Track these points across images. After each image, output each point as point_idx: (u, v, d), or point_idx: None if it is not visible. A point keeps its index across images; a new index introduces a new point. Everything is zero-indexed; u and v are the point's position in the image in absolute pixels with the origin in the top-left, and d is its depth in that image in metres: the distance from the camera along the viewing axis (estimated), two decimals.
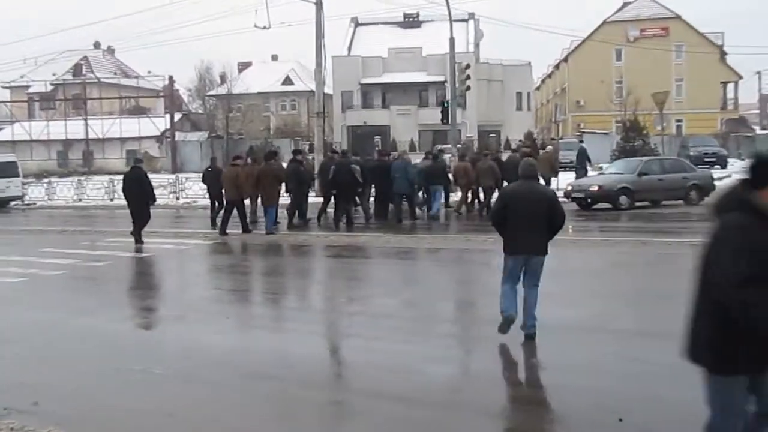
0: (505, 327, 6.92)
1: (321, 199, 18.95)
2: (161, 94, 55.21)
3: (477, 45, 56.03)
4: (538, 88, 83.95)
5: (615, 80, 58.09)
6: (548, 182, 21.96)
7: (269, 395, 5.70)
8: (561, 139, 43.29)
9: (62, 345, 7.40)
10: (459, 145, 32.84)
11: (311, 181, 18.66)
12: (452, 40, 28.08)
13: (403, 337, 7.26)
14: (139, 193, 15.32)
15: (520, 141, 37.39)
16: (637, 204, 19.68)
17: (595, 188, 19.93)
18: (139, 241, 15.18)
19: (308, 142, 50.72)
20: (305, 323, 8.02)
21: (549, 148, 25.32)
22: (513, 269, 7.07)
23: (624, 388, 5.55)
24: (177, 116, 55.20)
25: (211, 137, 51.87)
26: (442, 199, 19.37)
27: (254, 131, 57.49)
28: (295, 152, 19.03)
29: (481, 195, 19.37)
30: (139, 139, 51.80)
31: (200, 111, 60.91)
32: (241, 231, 16.29)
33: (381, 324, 7.82)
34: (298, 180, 17.37)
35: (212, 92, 62.51)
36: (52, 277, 11.55)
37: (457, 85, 27.37)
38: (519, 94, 54.87)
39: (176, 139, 51.38)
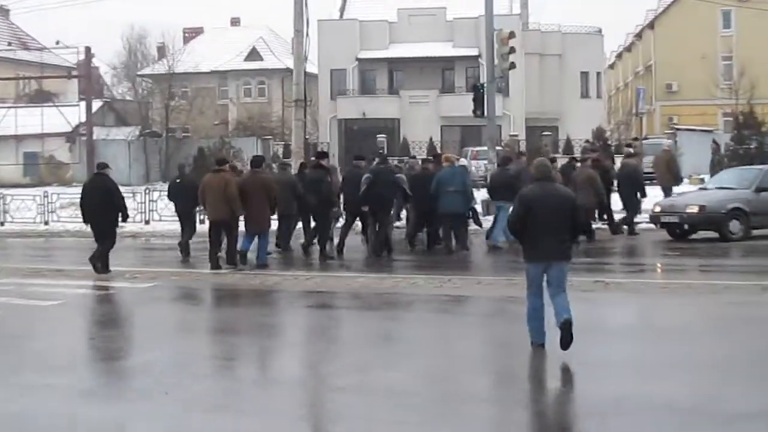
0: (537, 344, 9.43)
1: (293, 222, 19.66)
2: (74, 73, 55.63)
3: (524, 5, 56.59)
4: (611, 67, 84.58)
5: (721, 55, 58.44)
6: (668, 192, 22.14)
7: None
8: (645, 139, 43.53)
9: None
10: (499, 148, 33.03)
11: (336, 198, 19.17)
12: None
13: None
14: (103, 207, 16.45)
15: (586, 142, 37.56)
16: (755, 232, 19.78)
17: (695, 210, 20.03)
18: (103, 269, 16.50)
19: (282, 143, 51.11)
20: (284, 403, 8.06)
21: (628, 150, 25.61)
22: (535, 277, 9.29)
23: None
24: (96, 105, 55.58)
25: (145, 135, 52.29)
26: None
27: (206, 126, 57.85)
28: (319, 155, 19.79)
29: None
30: (42, 137, 52.06)
31: (129, 97, 61.38)
32: (217, 265, 16.81)
33: (389, 405, 7.86)
34: (322, 196, 17.84)
35: (146, 71, 63.13)
36: None
37: (496, 61, 27.56)
38: (584, 75, 55.24)
39: (95, 137, 51.72)
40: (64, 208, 29.21)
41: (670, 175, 23.81)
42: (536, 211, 9.08)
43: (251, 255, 17.17)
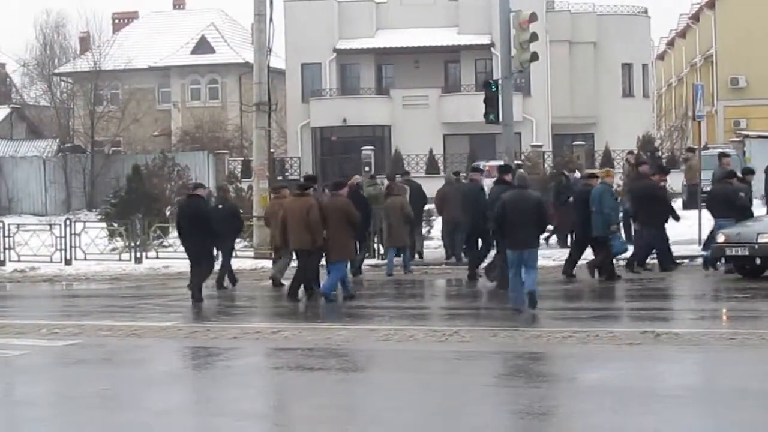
0: (520, 312, 16.32)
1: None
2: None
3: None
4: (660, 57, 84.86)
5: None
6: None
7: None
8: (705, 148, 43.58)
9: None
10: (519, 162, 33.07)
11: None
12: None
13: None
14: (195, 232, 19.79)
15: (629, 153, 37.56)
16: None
17: None
18: (197, 297, 19.84)
19: (240, 159, 51.02)
20: None
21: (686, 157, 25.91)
22: (512, 260, 16.64)
23: None
24: (2, 112, 55.62)
25: (65, 150, 52.16)
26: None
27: (142, 138, 57.73)
28: (392, 177, 24.60)
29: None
30: None
31: (44, 103, 61.28)
32: (291, 295, 19.35)
33: None
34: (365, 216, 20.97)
35: (66, 68, 62.99)
36: None
37: (513, 52, 27.68)
38: (627, 69, 55.54)
39: (0, 153, 51.64)
40: None
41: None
42: (511, 211, 16.39)
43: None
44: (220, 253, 22.00)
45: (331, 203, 19.16)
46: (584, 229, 20.96)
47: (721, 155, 24.58)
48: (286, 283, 20.45)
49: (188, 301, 19.83)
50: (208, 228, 19.92)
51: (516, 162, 32.29)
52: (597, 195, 20.40)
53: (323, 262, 19.55)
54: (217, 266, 21.85)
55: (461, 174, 27.60)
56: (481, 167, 26.63)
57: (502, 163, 25.54)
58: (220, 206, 22.28)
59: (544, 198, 21.12)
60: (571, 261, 21.59)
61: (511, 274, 16.72)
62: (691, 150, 38.74)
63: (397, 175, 26.61)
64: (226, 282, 22.17)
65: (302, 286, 19.54)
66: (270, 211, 22.02)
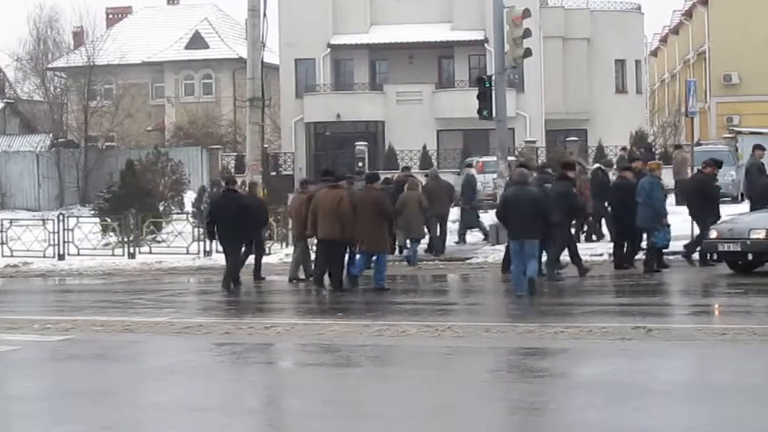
0: (519, 296, 17.94)
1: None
2: None
3: None
4: (654, 54, 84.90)
5: None
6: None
7: None
8: (698, 144, 43.61)
9: None
10: (512, 158, 33.06)
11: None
12: None
13: None
14: (239, 224, 20.87)
15: (623, 150, 37.63)
16: None
17: (762, 235, 20.11)
18: (227, 286, 20.65)
19: (234, 154, 51.00)
20: None
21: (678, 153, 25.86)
22: (515, 249, 18.28)
23: None
24: None
25: (58, 145, 52.13)
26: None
27: (136, 133, 57.67)
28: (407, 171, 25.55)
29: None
30: None
31: (38, 97, 61.24)
32: (321, 284, 20.28)
33: None
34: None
35: (59, 63, 62.93)
36: None
37: (506, 47, 27.70)
38: (620, 65, 55.62)
39: None
40: None
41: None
42: (513, 206, 18.18)
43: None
44: (252, 245, 22.75)
45: (364, 196, 20.10)
46: (623, 221, 21.58)
47: (756, 147, 24.91)
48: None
49: (180, 296, 19.83)
50: (245, 221, 21.10)
51: (518, 159, 32.42)
52: (647, 187, 20.79)
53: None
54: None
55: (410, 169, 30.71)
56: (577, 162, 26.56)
57: (568, 160, 25.76)
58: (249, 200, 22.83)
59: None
60: (619, 253, 22.09)
61: (513, 263, 18.38)
62: (678, 147, 38.83)
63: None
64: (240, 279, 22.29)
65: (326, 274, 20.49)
66: (293, 205, 22.76)
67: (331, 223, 19.65)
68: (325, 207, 19.73)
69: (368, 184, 20.81)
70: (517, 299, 17.91)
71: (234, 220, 20.91)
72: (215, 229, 21.46)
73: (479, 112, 28.04)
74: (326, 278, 20.52)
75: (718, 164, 23.19)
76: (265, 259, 23.85)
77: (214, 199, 23.55)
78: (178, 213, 33.47)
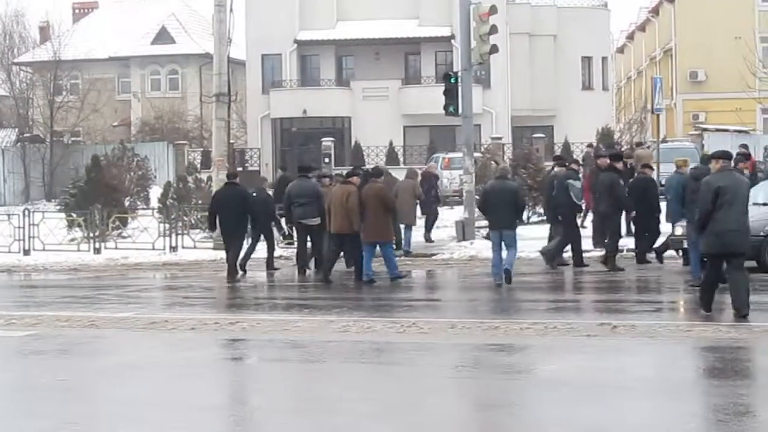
0: (499, 287, 19.08)
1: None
2: None
3: None
4: (620, 51, 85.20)
5: (760, 36, 59.03)
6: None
7: None
8: (664, 141, 43.87)
9: None
10: (478, 154, 33.12)
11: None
12: None
13: None
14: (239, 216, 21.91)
15: (589, 146, 37.72)
16: None
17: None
18: (232, 277, 21.65)
19: (200, 150, 50.90)
20: None
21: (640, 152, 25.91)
22: (494, 239, 19.54)
23: None
24: None
25: (24, 140, 51.84)
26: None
27: (102, 128, 57.45)
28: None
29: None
30: None
31: (3, 92, 60.91)
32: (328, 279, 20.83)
33: None
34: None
35: (24, 58, 62.56)
36: None
37: (473, 44, 27.74)
38: (586, 62, 55.80)
39: None
40: None
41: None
42: (493, 198, 19.54)
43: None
44: (261, 237, 23.65)
45: (368, 189, 20.76)
46: (644, 216, 22.00)
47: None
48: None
49: (146, 291, 19.77)
50: (247, 213, 22.14)
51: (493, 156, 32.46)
52: (675, 184, 20.75)
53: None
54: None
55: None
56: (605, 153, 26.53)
57: (615, 151, 26.26)
58: (254, 194, 23.44)
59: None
60: (643, 248, 22.39)
61: (493, 252, 19.46)
62: (639, 144, 39.05)
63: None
64: (239, 271, 22.76)
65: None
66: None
67: (341, 217, 20.35)
68: (336, 202, 20.51)
69: (372, 178, 21.57)
70: (496, 287, 19.09)
71: (237, 213, 21.90)
72: (216, 221, 22.40)
73: (445, 108, 28.07)
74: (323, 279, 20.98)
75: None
76: (218, 254, 23.96)
77: (216, 192, 23.83)
78: (143, 209, 33.44)
